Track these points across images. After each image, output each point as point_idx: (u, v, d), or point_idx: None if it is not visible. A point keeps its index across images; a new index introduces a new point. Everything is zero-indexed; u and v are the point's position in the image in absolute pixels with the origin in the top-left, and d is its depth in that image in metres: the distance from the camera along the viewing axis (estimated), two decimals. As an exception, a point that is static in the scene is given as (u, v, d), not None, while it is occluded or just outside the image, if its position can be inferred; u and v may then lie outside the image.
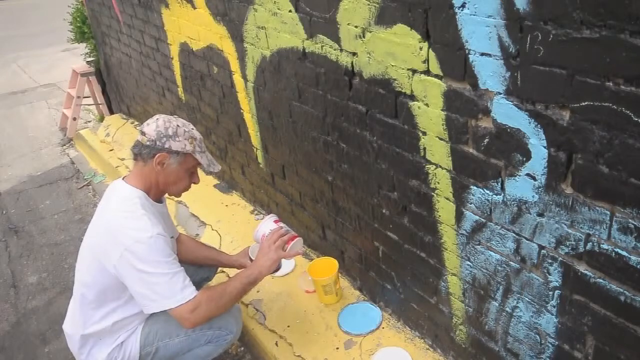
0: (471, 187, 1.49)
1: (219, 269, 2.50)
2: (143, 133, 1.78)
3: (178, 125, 1.79)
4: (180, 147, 1.78)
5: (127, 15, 3.88)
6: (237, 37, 2.45)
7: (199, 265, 2.24)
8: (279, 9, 2.03)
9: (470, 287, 1.66)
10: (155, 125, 1.77)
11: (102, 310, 1.83)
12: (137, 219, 1.71)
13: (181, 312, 1.69)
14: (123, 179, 1.86)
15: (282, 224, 2.03)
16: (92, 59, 5.25)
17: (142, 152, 1.78)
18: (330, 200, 2.27)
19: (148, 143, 1.76)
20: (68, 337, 1.93)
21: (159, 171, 1.79)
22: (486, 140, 1.38)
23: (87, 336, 1.85)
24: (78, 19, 5.23)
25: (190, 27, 2.92)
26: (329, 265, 2.30)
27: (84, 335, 1.85)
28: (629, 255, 1.13)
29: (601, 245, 1.19)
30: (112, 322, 1.83)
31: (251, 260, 2.11)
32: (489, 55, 1.26)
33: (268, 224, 2.02)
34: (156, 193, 1.86)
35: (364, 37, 1.66)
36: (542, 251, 1.35)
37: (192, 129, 1.85)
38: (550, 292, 1.37)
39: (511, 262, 1.46)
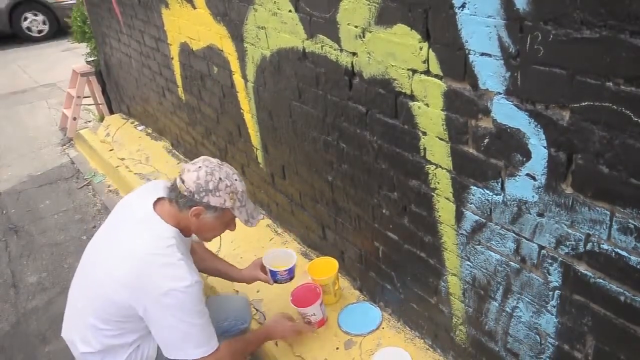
0: (471, 187, 1.49)
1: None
2: (182, 180, 1.65)
3: (220, 179, 1.66)
4: (219, 202, 1.66)
5: (127, 15, 3.88)
6: (237, 37, 2.45)
7: (207, 275, 2.22)
8: (279, 9, 2.03)
9: (470, 287, 1.66)
10: (196, 175, 1.64)
11: (120, 339, 1.75)
12: (175, 265, 1.62)
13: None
14: (154, 208, 1.72)
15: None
16: (92, 58, 5.25)
17: (179, 200, 1.67)
18: (330, 200, 2.27)
19: (186, 193, 1.64)
20: (72, 345, 1.82)
21: (194, 221, 1.70)
22: (486, 141, 1.38)
23: (102, 351, 1.76)
24: (78, 19, 5.23)
25: (190, 27, 2.92)
26: (329, 265, 2.29)
27: (100, 351, 1.76)
28: (629, 255, 1.13)
29: (601, 245, 1.19)
30: (131, 341, 1.77)
31: (262, 270, 2.10)
32: (489, 55, 1.26)
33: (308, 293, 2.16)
34: (187, 233, 1.79)
35: (364, 37, 1.66)
36: (542, 251, 1.35)
37: (236, 179, 1.71)
38: (550, 292, 1.37)
39: (511, 262, 1.46)
